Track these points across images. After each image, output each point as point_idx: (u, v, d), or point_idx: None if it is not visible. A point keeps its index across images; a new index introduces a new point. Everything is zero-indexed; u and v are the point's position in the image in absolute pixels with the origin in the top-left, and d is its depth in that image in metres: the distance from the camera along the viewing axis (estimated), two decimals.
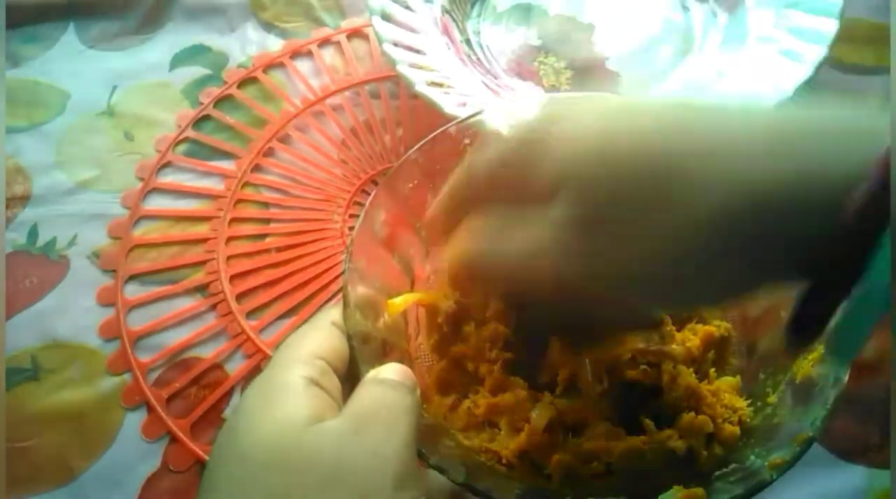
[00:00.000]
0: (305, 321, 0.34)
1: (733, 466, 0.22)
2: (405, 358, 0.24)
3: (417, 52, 0.42)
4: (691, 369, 0.24)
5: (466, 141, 0.27)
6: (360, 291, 0.23)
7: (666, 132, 0.18)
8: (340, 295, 0.24)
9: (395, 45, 0.41)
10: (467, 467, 0.21)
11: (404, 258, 0.26)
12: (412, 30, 0.43)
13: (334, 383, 0.21)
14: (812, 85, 0.38)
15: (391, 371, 0.21)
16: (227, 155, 0.44)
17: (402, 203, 0.26)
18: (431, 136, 0.26)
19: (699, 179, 0.17)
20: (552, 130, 0.20)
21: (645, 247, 0.18)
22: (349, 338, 0.22)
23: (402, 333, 0.26)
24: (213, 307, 0.38)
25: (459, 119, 0.27)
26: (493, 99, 0.41)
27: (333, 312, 0.23)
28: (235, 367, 0.36)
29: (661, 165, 0.17)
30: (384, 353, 0.23)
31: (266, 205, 0.42)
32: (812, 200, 0.15)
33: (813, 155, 0.16)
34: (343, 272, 0.23)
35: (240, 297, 0.38)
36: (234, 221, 0.41)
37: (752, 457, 0.22)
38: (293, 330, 0.37)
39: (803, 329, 0.18)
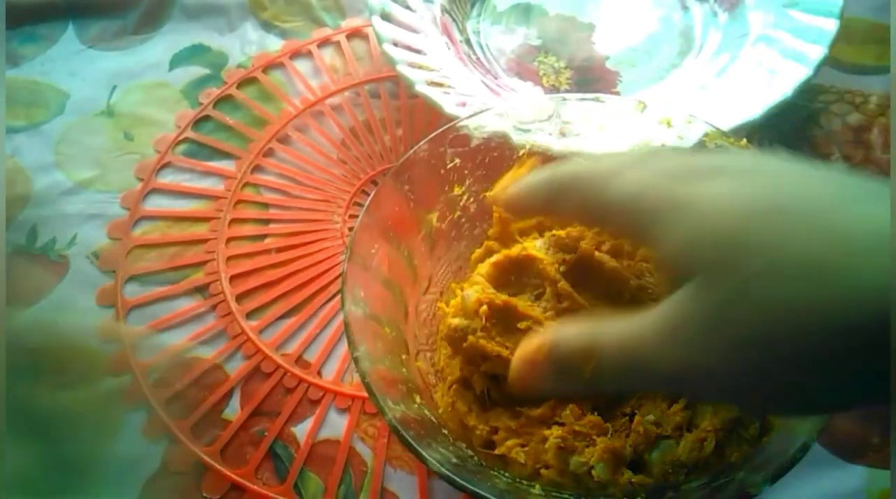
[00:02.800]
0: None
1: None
2: (418, 392, 0.24)
3: (417, 51, 0.42)
4: None
5: (448, 157, 0.27)
6: (364, 327, 0.23)
7: (824, 222, 0.16)
8: (336, 308, 0.24)
9: (395, 44, 0.41)
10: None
11: (397, 286, 0.26)
12: (412, 30, 0.43)
13: None
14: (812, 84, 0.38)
15: None
16: (226, 155, 0.44)
17: (386, 232, 0.26)
18: (410, 153, 0.26)
19: (864, 275, 0.15)
20: (685, 190, 0.17)
21: (785, 338, 0.16)
22: (362, 376, 0.22)
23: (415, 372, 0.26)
24: (213, 308, 0.38)
25: (431, 136, 0.26)
26: (493, 99, 0.41)
27: None
28: (235, 367, 0.36)
29: (819, 257, 0.15)
30: (393, 386, 0.23)
31: (266, 205, 0.42)
32: None
33: None
34: (342, 303, 0.23)
35: (240, 297, 0.38)
36: (233, 221, 0.41)
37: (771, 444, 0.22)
38: (293, 331, 0.37)
39: None
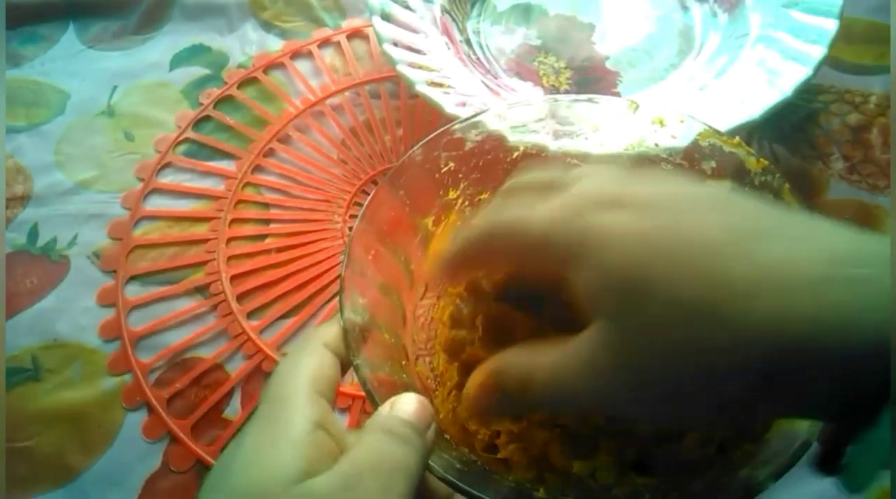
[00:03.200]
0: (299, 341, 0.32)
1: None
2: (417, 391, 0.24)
3: (417, 51, 0.42)
4: None
5: (442, 161, 0.27)
6: (359, 323, 0.23)
7: (712, 265, 0.17)
8: (335, 308, 0.24)
9: (395, 44, 0.41)
10: None
11: (394, 292, 0.26)
12: (412, 30, 0.43)
13: (335, 422, 0.20)
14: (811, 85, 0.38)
15: (407, 404, 0.20)
16: (227, 155, 0.44)
17: (383, 238, 0.26)
18: (404, 158, 0.26)
19: (743, 320, 0.16)
20: (591, 230, 0.18)
21: (682, 379, 0.17)
22: (362, 383, 0.22)
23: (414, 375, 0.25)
24: (214, 308, 0.38)
25: (425, 141, 0.26)
26: (493, 99, 0.41)
27: (324, 331, 0.22)
28: (236, 367, 0.36)
29: (704, 302, 0.16)
30: (394, 392, 0.23)
31: (266, 205, 0.42)
32: (850, 346, 0.15)
33: (858, 300, 0.15)
34: (341, 313, 0.23)
35: (240, 297, 0.38)
36: (234, 221, 0.41)
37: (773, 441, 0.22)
38: (294, 331, 0.37)
39: (830, 462, 0.18)
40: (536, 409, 0.22)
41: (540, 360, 0.20)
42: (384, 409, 0.20)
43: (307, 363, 0.21)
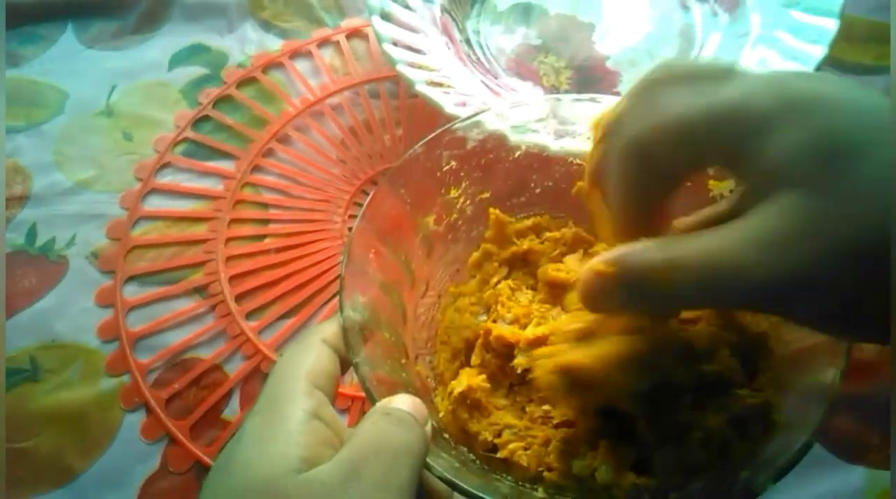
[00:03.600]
0: (298, 338, 0.32)
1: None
2: (418, 396, 0.24)
3: (417, 51, 0.42)
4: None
5: (444, 160, 0.27)
6: (358, 319, 0.23)
7: None
8: (335, 308, 0.24)
9: (395, 44, 0.41)
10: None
11: (394, 290, 0.26)
12: (412, 29, 0.43)
13: (332, 413, 0.20)
14: None
15: (403, 402, 0.20)
16: (226, 155, 0.44)
17: (383, 236, 0.26)
18: (406, 156, 0.26)
19: None
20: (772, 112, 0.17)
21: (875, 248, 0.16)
22: (362, 381, 0.22)
23: (412, 370, 0.26)
24: (213, 308, 0.38)
25: (426, 139, 0.26)
26: (493, 99, 0.41)
27: (323, 328, 0.22)
28: (235, 368, 0.36)
29: None
30: (394, 391, 0.23)
31: (265, 206, 0.42)
32: None
33: None
34: (340, 310, 0.23)
35: (239, 298, 0.38)
36: (233, 221, 0.41)
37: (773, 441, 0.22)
38: (293, 331, 0.37)
39: None
40: (669, 301, 0.19)
41: (684, 245, 0.18)
42: (381, 402, 0.20)
43: (304, 359, 0.21)
